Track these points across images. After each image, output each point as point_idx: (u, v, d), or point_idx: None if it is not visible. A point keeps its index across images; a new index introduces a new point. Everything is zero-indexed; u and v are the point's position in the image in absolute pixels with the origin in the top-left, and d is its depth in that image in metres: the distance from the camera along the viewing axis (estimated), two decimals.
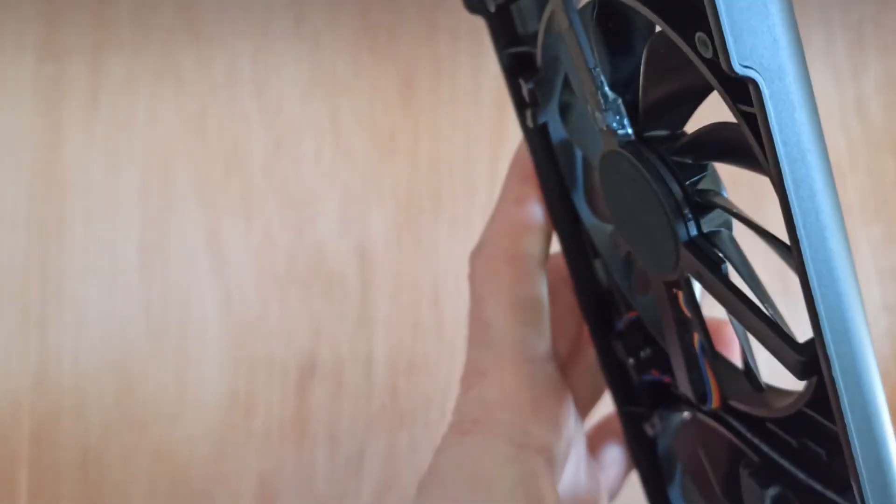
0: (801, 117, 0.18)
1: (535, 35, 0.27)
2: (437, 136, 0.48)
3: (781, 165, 0.18)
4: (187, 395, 0.45)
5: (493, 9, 0.27)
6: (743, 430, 0.26)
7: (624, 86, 0.24)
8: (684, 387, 0.28)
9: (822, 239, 0.19)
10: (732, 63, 0.17)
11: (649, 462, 0.33)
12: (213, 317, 0.46)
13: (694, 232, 0.24)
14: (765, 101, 0.18)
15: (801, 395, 0.23)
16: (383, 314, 0.46)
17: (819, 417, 0.22)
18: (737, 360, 0.28)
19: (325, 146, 0.48)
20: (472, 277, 0.29)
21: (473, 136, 0.48)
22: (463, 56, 0.49)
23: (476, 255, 0.30)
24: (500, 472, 0.26)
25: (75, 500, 0.44)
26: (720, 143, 0.23)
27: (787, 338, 0.22)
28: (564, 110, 0.29)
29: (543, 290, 0.29)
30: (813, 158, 0.19)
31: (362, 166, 0.48)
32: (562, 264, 0.31)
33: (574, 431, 0.30)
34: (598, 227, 0.30)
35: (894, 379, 0.47)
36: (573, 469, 0.31)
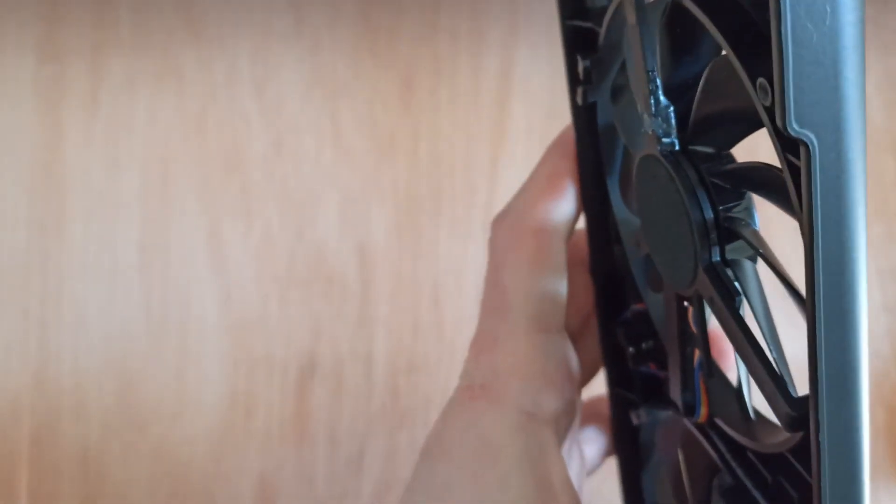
0: (847, 190, 0.17)
1: (602, 11, 0.26)
2: (437, 136, 0.48)
3: (815, 232, 0.18)
4: (187, 395, 0.45)
5: None
6: (723, 449, 0.26)
7: (679, 91, 0.23)
8: (675, 394, 0.28)
9: (841, 314, 0.19)
10: (788, 122, 0.16)
11: (629, 447, 0.33)
12: (213, 317, 0.46)
13: (717, 258, 0.23)
14: (813, 166, 0.17)
15: (787, 440, 0.22)
16: (383, 314, 0.46)
17: (799, 467, 0.22)
18: (731, 374, 0.28)
19: (325, 146, 0.48)
20: (494, 242, 0.29)
21: (473, 136, 0.48)
22: (463, 56, 0.49)
23: (500, 222, 0.29)
24: (509, 440, 0.25)
25: (75, 499, 0.44)
26: (762, 181, 0.22)
27: (783, 388, 0.22)
28: (616, 94, 0.28)
29: (564, 265, 0.29)
30: (848, 234, 0.18)
31: (362, 166, 0.48)
32: (584, 241, 0.31)
33: (579, 403, 0.30)
34: (625, 218, 0.30)
35: (894, 379, 0.47)
36: (568, 440, 0.31)
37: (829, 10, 0.16)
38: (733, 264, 0.23)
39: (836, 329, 0.19)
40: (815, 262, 0.18)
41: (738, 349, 0.23)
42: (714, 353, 0.27)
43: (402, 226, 0.47)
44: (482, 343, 0.28)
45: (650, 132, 0.24)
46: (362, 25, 0.49)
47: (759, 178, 0.22)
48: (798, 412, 0.21)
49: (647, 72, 0.23)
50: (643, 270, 0.30)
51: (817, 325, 0.19)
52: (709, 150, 0.24)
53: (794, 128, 0.17)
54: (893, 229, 0.49)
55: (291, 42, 0.48)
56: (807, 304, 0.19)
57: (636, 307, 0.31)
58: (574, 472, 0.32)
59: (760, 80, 0.17)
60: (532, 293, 0.28)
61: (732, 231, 0.23)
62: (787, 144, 0.17)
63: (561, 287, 0.28)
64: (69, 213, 0.46)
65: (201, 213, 0.47)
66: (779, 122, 0.17)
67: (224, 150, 0.47)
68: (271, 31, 0.48)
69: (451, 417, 0.27)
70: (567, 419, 0.28)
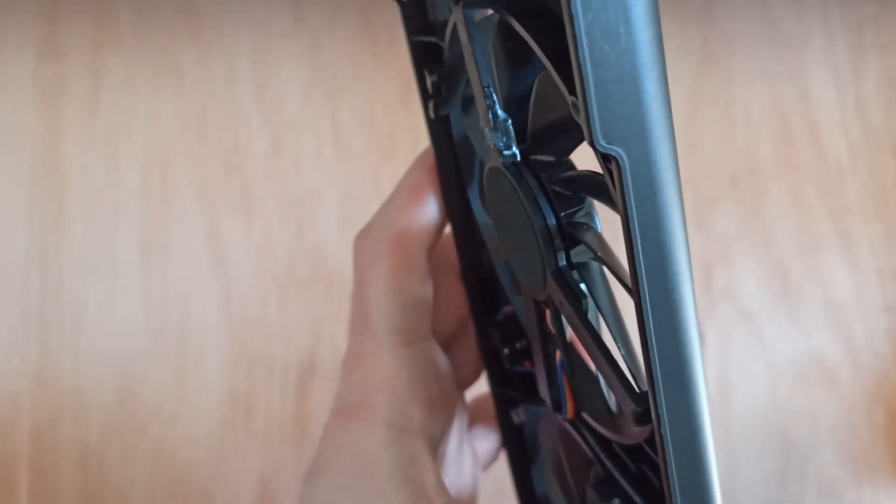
0: (660, 197, 0.18)
1: (445, 25, 0.27)
2: None
3: (633, 237, 0.18)
4: (187, 395, 0.45)
5: None
6: (593, 443, 0.27)
7: (519, 103, 0.24)
8: (543, 392, 0.28)
9: (668, 312, 0.19)
10: (595, 140, 0.17)
11: (515, 443, 0.34)
12: (213, 317, 0.46)
13: (563, 262, 0.24)
14: (624, 178, 0.18)
15: (641, 432, 0.23)
16: None
17: (654, 456, 0.23)
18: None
19: (325, 146, 0.48)
20: (356, 259, 0.30)
21: None
22: None
23: (361, 238, 0.30)
24: (382, 455, 0.26)
25: (75, 499, 0.44)
26: (595, 187, 0.23)
27: (628, 386, 0.22)
28: (465, 107, 0.29)
29: (425, 275, 0.29)
30: (666, 237, 0.19)
31: (362, 166, 0.48)
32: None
33: (457, 407, 0.31)
34: (487, 225, 0.30)
35: (894, 379, 0.47)
36: (456, 441, 0.32)
37: (622, 31, 0.17)
38: (581, 267, 0.24)
39: (666, 326, 0.19)
40: (637, 265, 0.19)
41: (588, 350, 0.24)
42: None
43: None
44: (351, 363, 0.29)
45: (492, 145, 0.24)
46: (362, 25, 0.49)
47: (593, 184, 0.23)
48: (642, 407, 0.22)
49: (483, 87, 0.24)
50: (507, 275, 0.30)
51: (646, 323, 0.19)
52: (549, 158, 0.24)
53: (602, 144, 0.17)
54: (893, 229, 0.49)
55: (291, 42, 0.48)
56: (634, 302, 0.19)
57: (507, 309, 0.32)
58: (467, 470, 0.33)
59: (572, 98, 0.18)
60: (393, 307, 0.28)
61: (575, 235, 0.24)
62: (603, 156, 0.18)
63: (424, 297, 0.29)
64: (69, 213, 0.46)
65: (201, 213, 0.47)
66: (587, 140, 0.17)
67: (224, 150, 0.47)
68: (271, 31, 0.48)
69: (327, 439, 0.28)
70: (440, 425, 0.29)
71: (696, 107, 0.48)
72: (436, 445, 0.29)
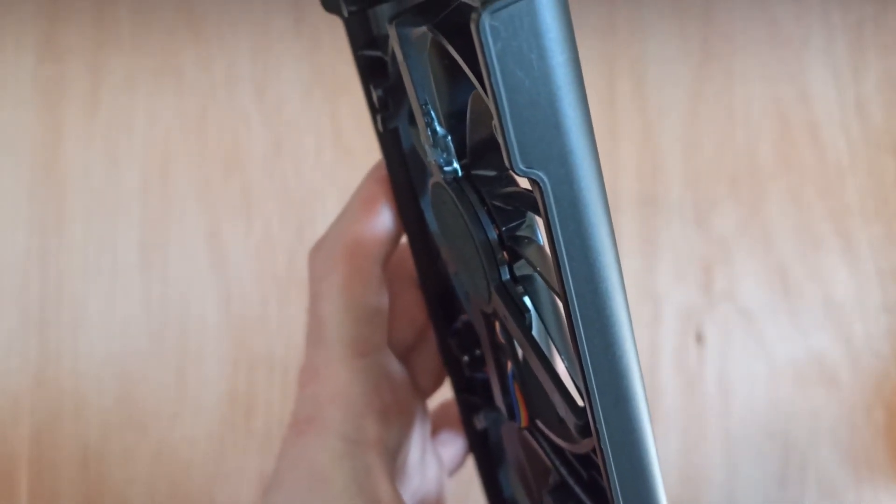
0: (584, 215, 0.18)
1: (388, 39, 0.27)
2: None
3: (560, 255, 0.19)
4: (187, 395, 0.45)
5: (346, 14, 0.27)
6: (548, 450, 0.27)
7: (458, 119, 0.24)
8: (498, 400, 0.28)
9: (600, 326, 0.20)
10: (515, 164, 0.17)
11: (480, 448, 0.34)
12: (213, 316, 0.46)
13: (506, 276, 0.24)
14: (547, 200, 0.18)
15: (587, 442, 0.23)
16: None
17: (601, 465, 0.23)
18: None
19: (325, 146, 0.48)
20: (310, 272, 0.30)
21: None
22: None
23: (314, 251, 0.30)
24: (336, 468, 0.27)
25: (75, 500, 0.44)
26: (533, 203, 0.23)
27: (569, 399, 0.23)
28: (411, 120, 0.29)
29: (379, 287, 0.29)
30: (593, 255, 0.19)
31: (362, 166, 0.48)
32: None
33: (416, 416, 0.31)
34: (439, 236, 0.30)
35: (894, 379, 0.47)
36: (419, 449, 0.32)
37: (535, 57, 0.17)
38: (526, 280, 0.24)
39: (599, 340, 0.19)
40: (566, 284, 0.19)
41: (532, 363, 0.24)
42: None
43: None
44: (305, 376, 0.29)
45: (433, 161, 0.24)
46: None
47: (530, 201, 0.23)
48: (582, 421, 0.22)
49: (421, 105, 0.23)
50: (460, 285, 0.30)
51: (578, 338, 0.19)
52: (490, 173, 0.24)
53: (522, 168, 0.17)
54: (893, 229, 0.49)
55: (291, 42, 0.48)
56: (565, 317, 0.20)
57: (464, 317, 0.32)
58: (432, 476, 0.33)
59: (493, 121, 0.18)
60: (346, 319, 0.28)
61: (516, 250, 0.24)
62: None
63: (377, 308, 0.29)
64: (69, 213, 0.46)
65: (201, 213, 0.47)
66: (507, 164, 0.17)
67: (224, 150, 0.47)
68: (271, 31, 0.48)
69: (283, 453, 0.28)
70: (396, 436, 0.29)
71: (696, 107, 0.49)
72: (392, 456, 0.29)
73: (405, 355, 0.31)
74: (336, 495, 0.26)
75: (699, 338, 0.47)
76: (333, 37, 0.49)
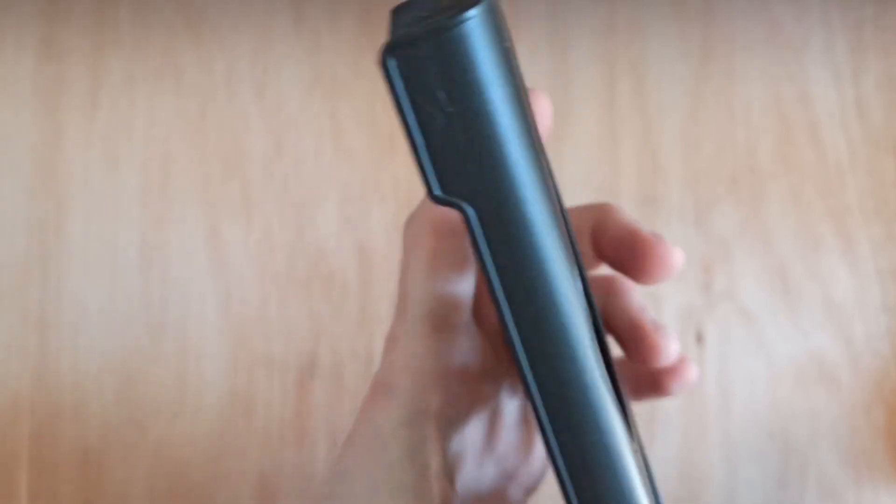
0: (514, 237, 0.19)
1: None
2: None
3: (492, 280, 0.19)
4: (187, 395, 0.45)
5: None
6: None
7: None
8: None
9: (544, 350, 0.20)
10: (432, 192, 0.18)
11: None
12: (212, 316, 0.46)
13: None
14: (473, 227, 0.18)
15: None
16: (383, 314, 0.46)
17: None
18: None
19: (325, 146, 0.48)
20: (403, 244, 0.30)
21: None
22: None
23: (407, 225, 0.30)
24: (394, 436, 0.28)
25: (75, 500, 0.44)
26: None
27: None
28: None
29: (464, 265, 0.29)
30: (529, 275, 0.19)
31: (362, 166, 0.48)
32: None
33: (489, 399, 0.32)
34: None
35: (894, 379, 0.47)
36: (482, 434, 0.32)
37: (443, 94, 0.17)
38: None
39: (546, 369, 0.20)
40: (502, 309, 0.19)
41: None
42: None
43: (401, 225, 0.47)
44: (388, 343, 0.30)
45: None
46: (362, 25, 0.49)
47: None
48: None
49: None
50: None
51: (521, 366, 0.20)
52: None
53: (440, 196, 0.18)
54: (893, 229, 0.49)
55: (291, 42, 0.48)
56: (506, 341, 0.20)
57: None
58: (490, 473, 0.33)
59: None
60: (426, 294, 0.29)
61: None
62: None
63: (460, 286, 0.29)
64: (69, 212, 0.46)
65: (201, 213, 0.47)
66: (426, 192, 0.18)
67: (224, 150, 0.47)
68: (271, 31, 0.48)
69: (360, 413, 0.30)
70: (459, 413, 0.30)
71: (696, 107, 0.48)
72: (454, 429, 0.30)
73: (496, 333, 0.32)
74: (393, 459, 0.28)
75: (699, 338, 0.47)
76: (333, 37, 0.49)
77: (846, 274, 0.48)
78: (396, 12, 0.19)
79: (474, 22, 0.17)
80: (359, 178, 0.48)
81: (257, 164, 0.47)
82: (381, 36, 0.49)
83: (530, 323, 0.19)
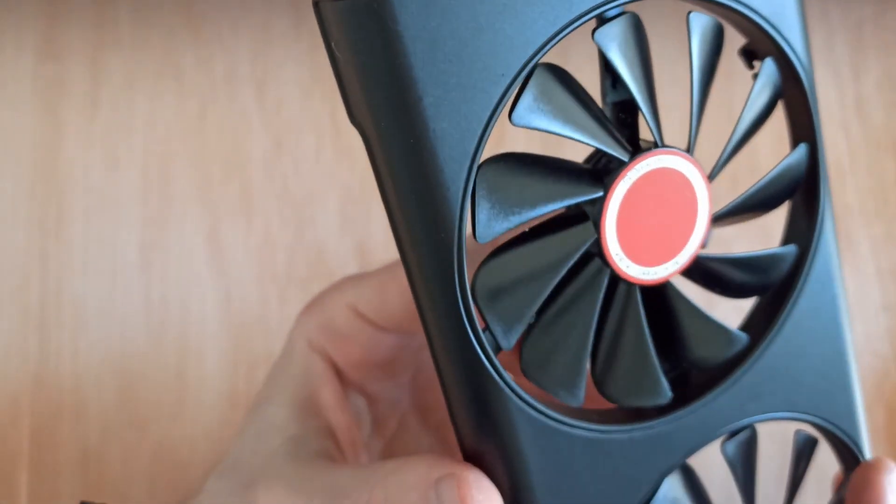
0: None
1: None
2: None
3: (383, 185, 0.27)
4: (187, 395, 0.45)
5: None
6: None
7: None
8: None
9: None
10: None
11: None
12: (212, 316, 0.46)
13: None
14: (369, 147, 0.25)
15: None
16: None
17: None
18: None
19: (325, 146, 0.48)
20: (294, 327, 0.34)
21: None
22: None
23: (308, 310, 0.34)
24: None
25: (75, 499, 0.44)
26: None
27: None
28: None
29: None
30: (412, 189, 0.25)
31: (362, 166, 0.48)
32: None
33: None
34: None
35: (894, 379, 0.47)
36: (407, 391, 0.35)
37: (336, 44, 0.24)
38: None
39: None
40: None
41: None
42: None
43: None
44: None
45: None
46: None
47: None
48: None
49: None
50: None
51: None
52: None
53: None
54: (893, 229, 0.49)
55: (291, 42, 0.48)
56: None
57: None
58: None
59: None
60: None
61: None
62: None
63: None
64: (69, 212, 0.46)
65: (201, 213, 0.47)
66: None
67: (224, 150, 0.47)
68: (271, 31, 0.48)
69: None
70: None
71: None
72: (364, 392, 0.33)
73: None
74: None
75: None
76: None
77: (846, 274, 0.48)
78: None
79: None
80: (359, 178, 0.48)
81: (257, 164, 0.47)
82: None
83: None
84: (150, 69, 0.48)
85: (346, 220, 0.47)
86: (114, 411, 0.45)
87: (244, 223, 0.47)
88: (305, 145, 0.48)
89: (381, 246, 0.47)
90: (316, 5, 0.23)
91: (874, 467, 0.29)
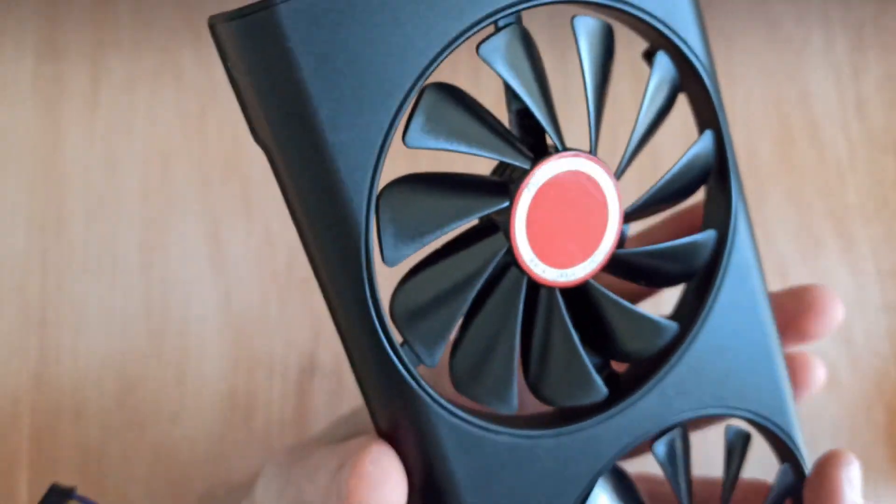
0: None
1: None
2: None
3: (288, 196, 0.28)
4: (187, 395, 0.45)
5: None
6: None
7: None
8: None
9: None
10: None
11: None
12: (213, 316, 0.46)
13: None
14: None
15: None
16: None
17: None
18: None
19: None
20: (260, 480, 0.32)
21: None
22: (462, 56, 0.49)
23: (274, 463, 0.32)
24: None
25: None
26: None
27: None
28: None
29: None
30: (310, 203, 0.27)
31: None
32: None
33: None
34: None
35: (894, 379, 0.47)
36: None
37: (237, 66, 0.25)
38: None
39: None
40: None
41: None
42: None
43: None
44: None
45: None
46: None
47: None
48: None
49: None
50: None
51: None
52: None
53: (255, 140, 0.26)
54: (893, 229, 0.49)
55: None
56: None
57: None
58: None
59: None
60: None
61: None
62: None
63: None
64: (69, 212, 0.46)
65: (201, 213, 0.47)
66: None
67: (224, 150, 0.47)
68: None
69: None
70: None
71: None
72: None
73: None
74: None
75: None
76: None
77: (846, 274, 0.48)
78: None
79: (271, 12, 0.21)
80: None
81: (257, 164, 0.47)
82: None
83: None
84: (150, 69, 0.48)
85: None
86: (114, 411, 0.45)
87: (244, 223, 0.47)
88: None
89: None
90: (212, 27, 0.23)
91: (830, 462, 0.29)
